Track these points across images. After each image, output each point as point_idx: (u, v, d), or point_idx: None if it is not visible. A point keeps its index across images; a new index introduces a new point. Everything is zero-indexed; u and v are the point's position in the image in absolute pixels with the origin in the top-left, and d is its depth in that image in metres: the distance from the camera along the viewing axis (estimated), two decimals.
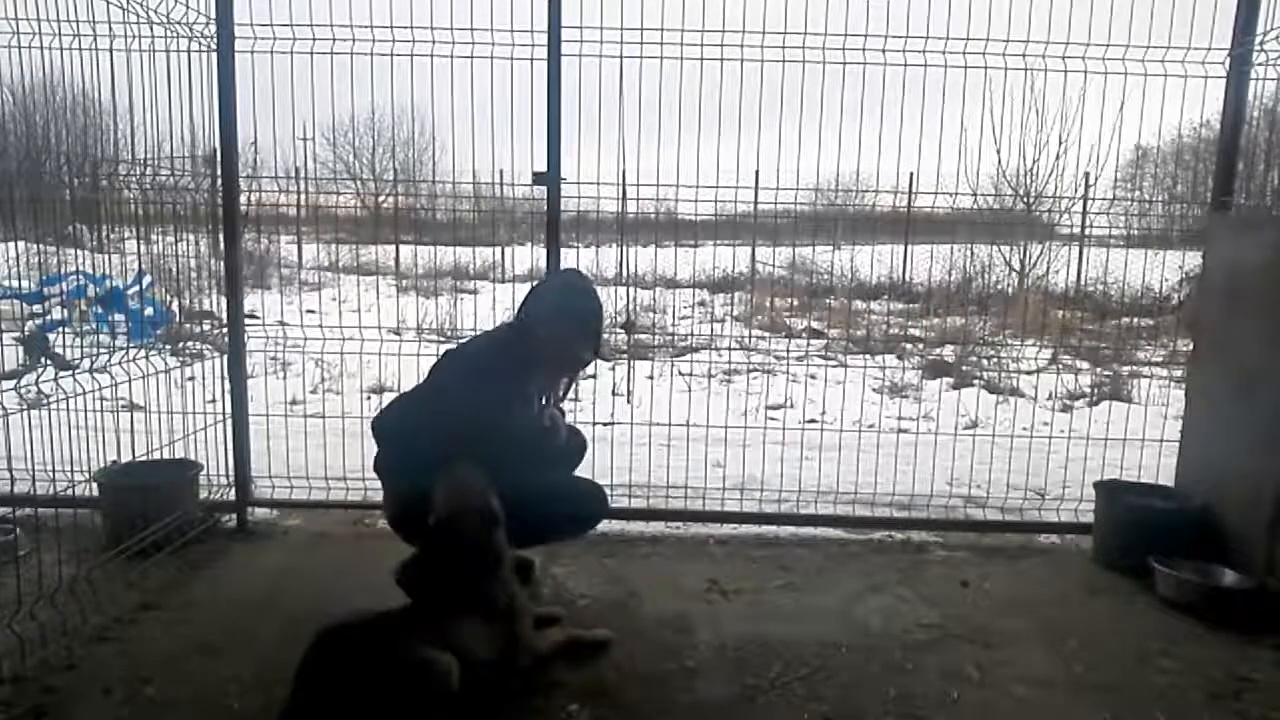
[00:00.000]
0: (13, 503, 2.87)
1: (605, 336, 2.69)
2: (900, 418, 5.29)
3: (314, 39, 2.84)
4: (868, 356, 6.20)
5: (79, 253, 5.04)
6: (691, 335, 6.47)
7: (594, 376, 4.76)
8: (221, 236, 2.98)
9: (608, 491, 2.63)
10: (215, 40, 2.81)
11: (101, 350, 2.79)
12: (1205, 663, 2.23)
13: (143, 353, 2.71)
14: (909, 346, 7.10)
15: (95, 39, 2.72)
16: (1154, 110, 2.95)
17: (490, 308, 5.35)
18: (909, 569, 2.84)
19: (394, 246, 5.91)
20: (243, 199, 2.99)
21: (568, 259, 3.09)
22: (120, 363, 2.60)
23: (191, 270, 3.43)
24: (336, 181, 5.74)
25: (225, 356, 3.06)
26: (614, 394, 5.33)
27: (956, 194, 3.37)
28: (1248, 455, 2.65)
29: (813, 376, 5.59)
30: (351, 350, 3.31)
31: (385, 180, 8.37)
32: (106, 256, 4.61)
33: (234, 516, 3.08)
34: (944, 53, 2.88)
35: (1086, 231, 4.21)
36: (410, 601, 1.96)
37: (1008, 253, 8.68)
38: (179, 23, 2.77)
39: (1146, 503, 2.92)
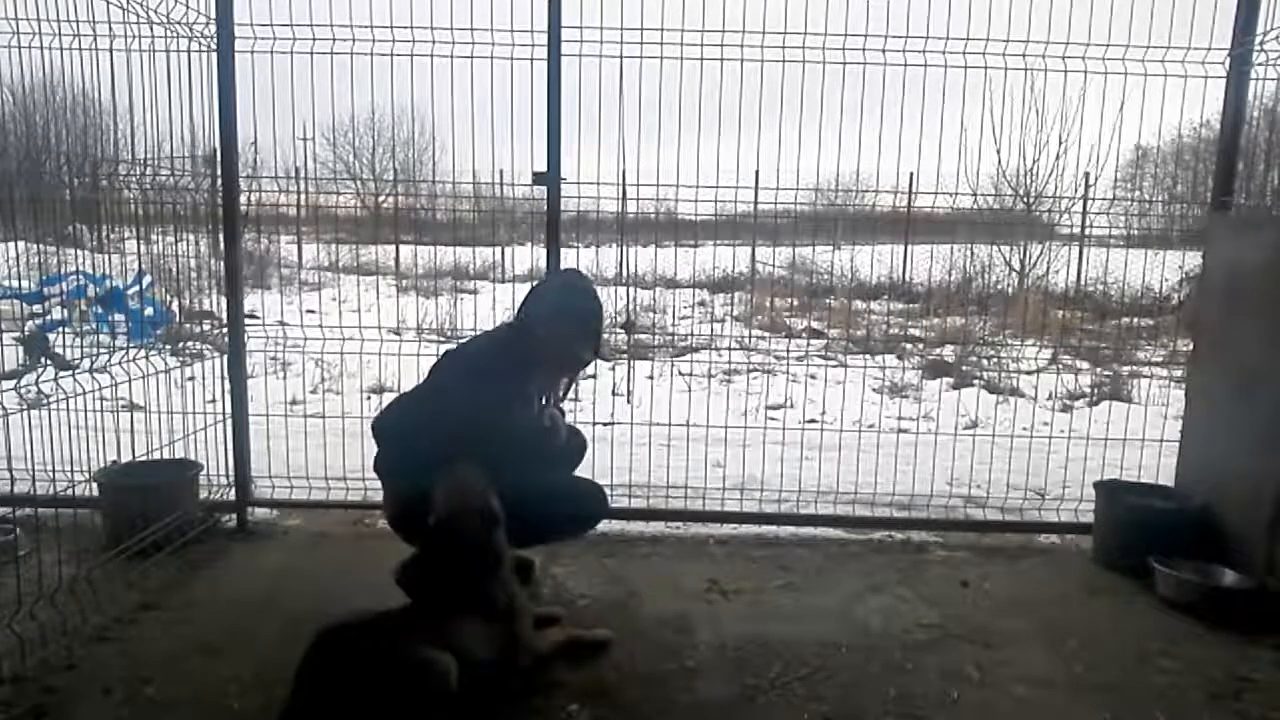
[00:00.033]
0: (13, 503, 2.87)
1: (605, 336, 2.69)
2: (900, 418, 5.29)
3: (314, 39, 2.84)
4: (868, 356, 6.20)
5: (79, 253, 5.04)
6: (691, 335, 6.47)
7: (594, 376, 4.77)
8: (221, 236, 2.98)
9: (608, 491, 2.63)
10: (215, 40, 2.81)
11: (101, 350, 2.79)
12: (1205, 663, 2.23)
13: (143, 353, 2.71)
14: (909, 346, 7.10)
15: (95, 39, 2.72)
16: (1154, 110, 2.95)
17: (490, 308, 5.35)
18: (909, 569, 2.84)
19: (394, 246, 5.91)
20: (243, 199, 2.99)
21: (568, 259, 3.09)
22: (120, 363, 2.60)
23: (191, 270, 3.43)
24: (336, 181, 5.74)
25: (225, 356, 3.06)
26: (614, 394, 5.33)
27: (956, 194, 3.37)
28: (1248, 455, 2.65)
29: (813, 376, 5.59)
30: (351, 350, 3.31)
31: (385, 180, 8.38)
32: (106, 256, 4.61)
33: (234, 516, 3.08)
34: (944, 53, 2.88)
35: (1086, 231, 4.21)
36: (410, 601, 1.96)
37: (1008, 253, 8.68)
38: (179, 23, 2.77)
39: (1146, 503, 2.92)
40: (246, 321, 3.08)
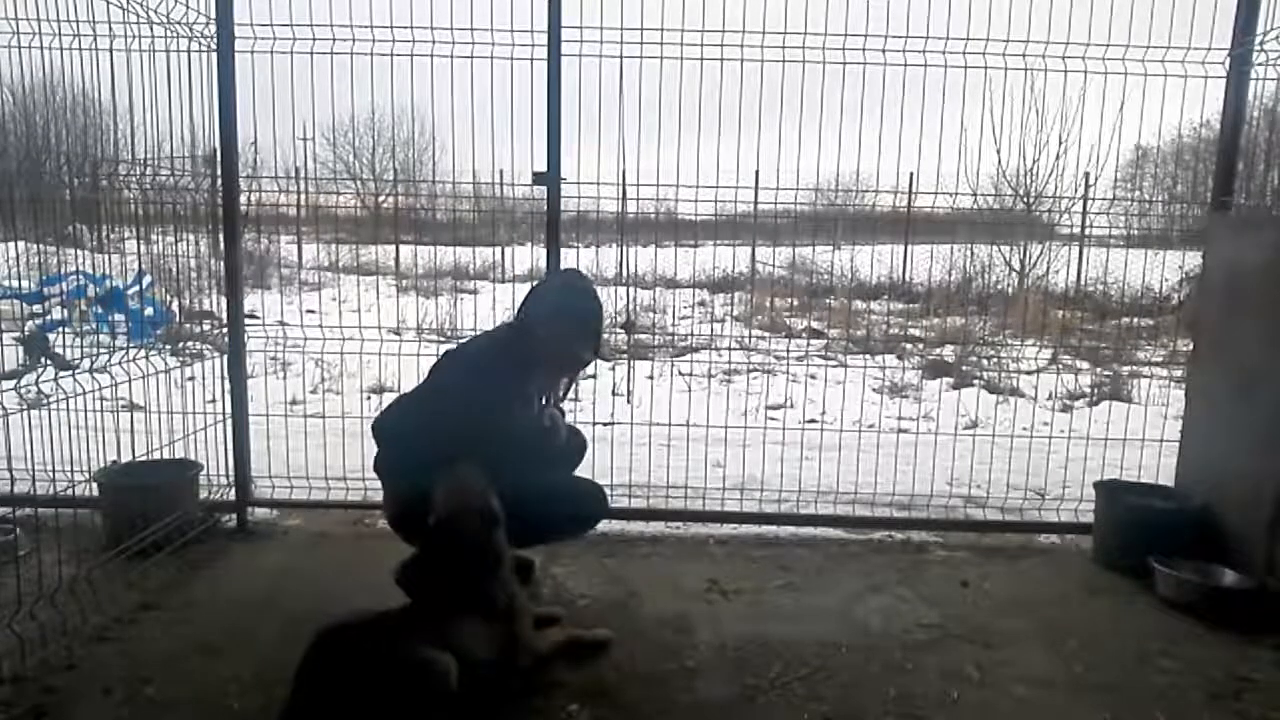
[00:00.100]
0: (13, 503, 2.87)
1: (605, 336, 2.69)
2: (900, 418, 5.29)
3: (314, 39, 2.84)
4: (868, 356, 6.21)
5: (79, 253, 5.05)
6: (691, 335, 6.48)
7: (594, 376, 4.77)
8: (221, 236, 2.98)
9: (608, 491, 2.63)
10: (215, 40, 2.80)
11: (101, 350, 2.79)
12: (1205, 663, 2.23)
13: (143, 353, 2.71)
14: (909, 346, 7.10)
15: (95, 39, 2.72)
16: (1154, 110, 2.95)
17: (490, 308, 5.35)
18: (909, 569, 2.84)
19: (394, 246, 5.91)
20: (243, 199, 2.99)
21: (568, 259, 3.09)
22: (120, 363, 2.60)
23: (191, 270, 3.43)
24: (336, 181, 5.74)
25: (225, 356, 3.06)
26: (614, 394, 5.33)
27: (956, 194, 3.37)
28: (1248, 455, 2.65)
29: (813, 376, 5.59)
30: (351, 350, 3.31)
31: (385, 180, 8.38)
32: (106, 256, 4.61)
33: (234, 516, 3.08)
34: (944, 53, 2.88)
35: (1086, 231, 4.21)
36: (410, 601, 1.96)
37: (1008, 253, 8.68)
38: (179, 23, 2.77)
39: (1146, 503, 2.92)
40: (246, 321, 3.08)
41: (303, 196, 3.74)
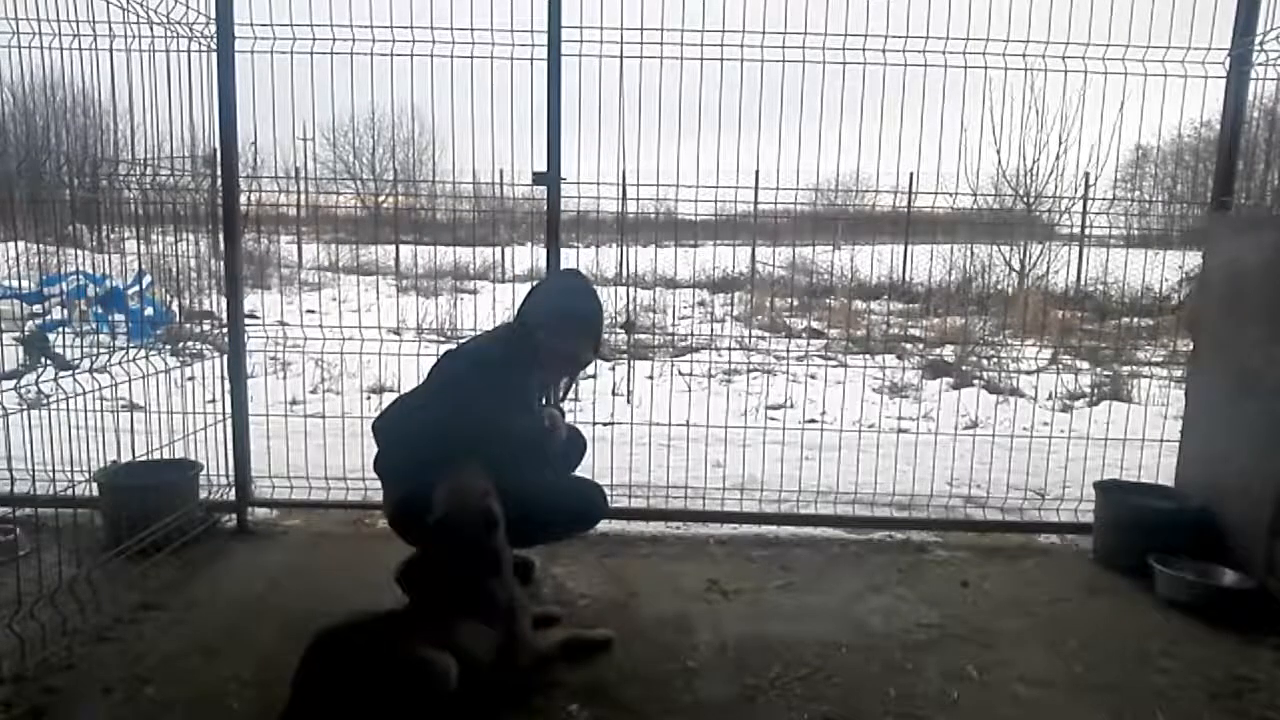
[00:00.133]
0: (13, 503, 2.87)
1: (605, 336, 2.69)
2: (900, 418, 5.29)
3: (314, 39, 2.84)
4: (868, 356, 6.20)
5: (79, 253, 5.05)
6: (691, 335, 6.48)
7: (594, 376, 4.76)
8: (221, 236, 2.98)
9: (608, 491, 2.63)
10: (215, 40, 2.80)
11: (101, 350, 2.79)
12: (1205, 663, 2.23)
13: (143, 353, 2.71)
14: (909, 346, 7.10)
15: (95, 39, 2.73)
16: (1154, 110, 2.95)
17: (490, 308, 5.36)
18: (909, 569, 2.84)
19: (394, 246, 5.91)
20: (243, 199, 2.99)
21: (568, 259, 3.09)
22: (120, 363, 2.60)
23: (191, 270, 3.43)
24: (336, 181, 5.75)
25: (225, 356, 3.06)
26: (614, 394, 5.33)
27: (956, 194, 3.37)
28: (1248, 455, 2.65)
29: (813, 376, 5.59)
30: (351, 350, 3.31)
31: (385, 180, 8.38)
32: (106, 256, 4.61)
33: (234, 516, 3.08)
34: (944, 53, 2.88)
35: (1086, 231, 4.21)
36: (410, 601, 1.96)
37: (1008, 253, 8.67)
38: (179, 23, 2.77)
39: (1146, 503, 2.92)
40: (246, 321, 3.08)
41: (303, 196, 3.74)
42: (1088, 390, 5.91)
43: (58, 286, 5.33)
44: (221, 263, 3.03)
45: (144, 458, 2.85)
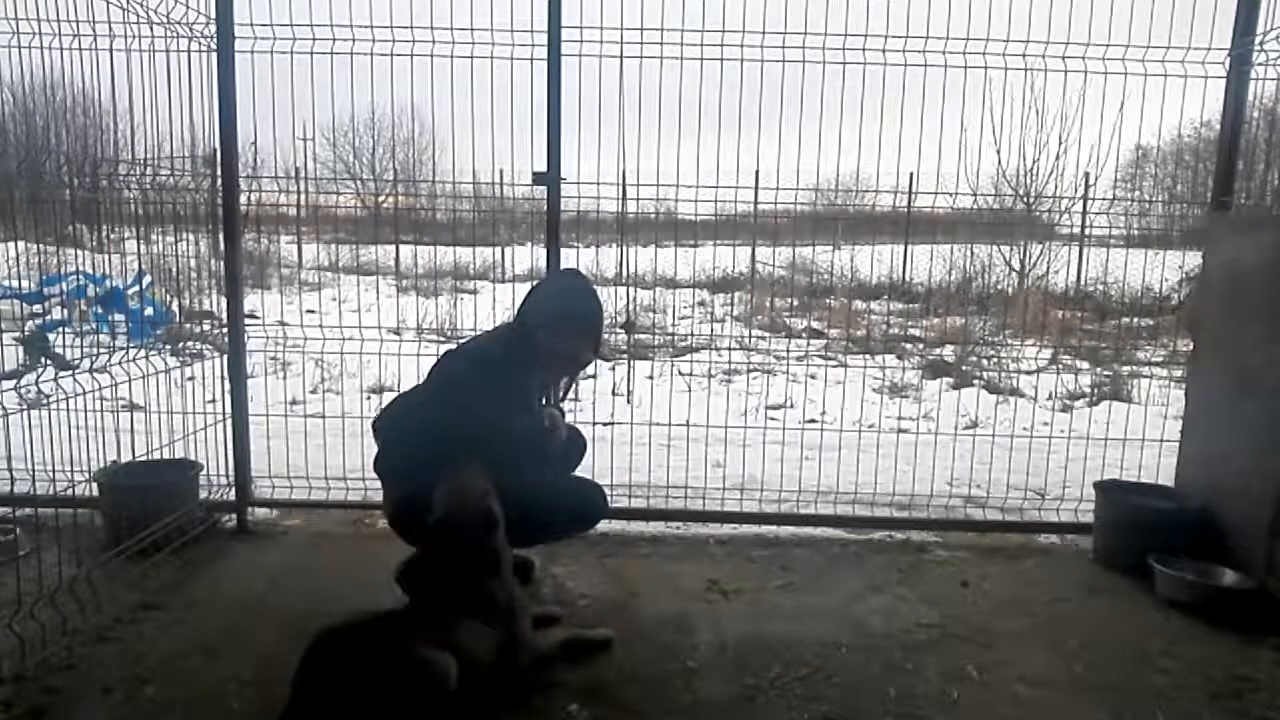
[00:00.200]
0: (13, 503, 2.87)
1: (605, 336, 2.69)
2: (900, 418, 5.29)
3: (314, 39, 2.84)
4: (868, 356, 6.21)
5: (79, 253, 5.05)
6: (691, 335, 6.48)
7: (594, 376, 4.76)
8: (221, 236, 2.98)
9: (608, 491, 2.63)
10: (215, 40, 2.80)
11: (101, 350, 2.79)
12: (1205, 663, 2.23)
13: (143, 353, 2.71)
14: (909, 346, 7.10)
15: (95, 39, 2.73)
16: (1154, 110, 2.95)
17: (490, 308, 5.36)
18: (909, 569, 2.84)
19: (394, 246, 5.91)
20: (243, 199, 2.99)
21: (568, 259, 3.09)
22: (120, 363, 2.60)
23: (191, 270, 3.43)
24: (336, 181, 5.75)
25: (225, 356, 3.06)
26: (614, 394, 5.33)
27: (956, 194, 3.37)
28: (1248, 455, 2.65)
29: (813, 376, 5.59)
30: (351, 350, 3.31)
31: (385, 180, 8.39)
32: (106, 256, 4.62)
33: (234, 516, 3.08)
34: (944, 53, 2.88)
35: (1086, 231, 4.21)
36: (410, 601, 1.96)
37: (1008, 253, 8.67)
38: (179, 23, 2.77)
39: (1146, 503, 2.92)
40: (246, 321, 3.08)
41: (303, 196, 3.74)
42: (1088, 390, 5.91)
43: (58, 286, 5.33)
44: (221, 263, 3.03)
45: (144, 458, 2.85)
